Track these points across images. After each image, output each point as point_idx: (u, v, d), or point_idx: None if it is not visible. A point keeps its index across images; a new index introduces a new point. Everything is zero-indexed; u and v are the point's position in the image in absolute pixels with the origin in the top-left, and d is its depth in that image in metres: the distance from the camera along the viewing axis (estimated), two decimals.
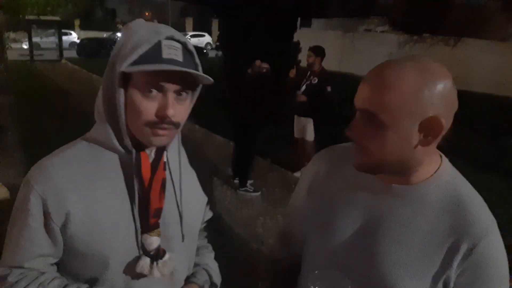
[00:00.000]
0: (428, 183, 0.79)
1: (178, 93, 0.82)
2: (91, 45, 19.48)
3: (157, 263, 0.87)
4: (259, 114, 4.32)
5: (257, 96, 4.24)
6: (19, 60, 16.09)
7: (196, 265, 1.06)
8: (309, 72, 4.68)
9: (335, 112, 4.85)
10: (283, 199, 4.22)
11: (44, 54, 17.80)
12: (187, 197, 0.95)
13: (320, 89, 4.51)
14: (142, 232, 0.86)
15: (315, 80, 4.54)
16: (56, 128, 5.71)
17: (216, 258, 1.14)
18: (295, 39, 8.76)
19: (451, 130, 0.75)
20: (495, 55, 11.52)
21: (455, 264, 0.75)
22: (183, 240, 0.94)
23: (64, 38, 20.02)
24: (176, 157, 0.94)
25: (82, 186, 0.82)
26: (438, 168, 0.80)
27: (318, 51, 4.59)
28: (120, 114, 0.81)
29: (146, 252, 0.87)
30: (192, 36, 28.09)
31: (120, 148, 0.85)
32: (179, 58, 0.80)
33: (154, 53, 0.78)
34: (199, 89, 0.89)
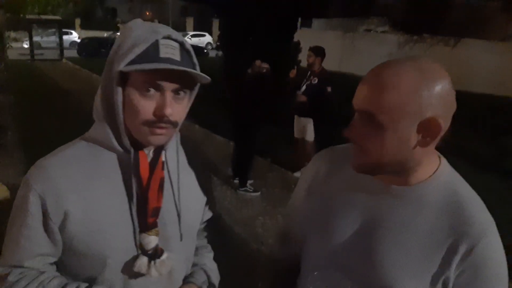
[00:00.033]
0: (427, 184, 0.79)
1: (176, 92, 0.82)
2: (91, 45, 19.46)
3: (154, 262, 0.87)
4: (259, 114, 4.33)
5: (257, 96, 4.24)
6: (20, 59, 16.10)
7: (194, 265, 1.06)
8: (309, 72, 4.68)
9: (335, 112, 4.85)
10: (283, 199, 4.22)
11: (45, 54, 17.80)
12: (185, 196, 0.95)
13: (320, 89, 4.51)
14: (140, 231, 0.87)
15: (315, 80, 4.54)
16: (56, 128, 5.70)
17: (215, 258, 1.14)
18: (295, 39, 8.75)
19: (449, 131, 0.76)
20: (495, 56, 11.51)
21: (454, 264, 0.75)
22: (181, 240, 0.94)
23: (65, 37, 20.03)
24: (174, 157, 0.94)
25: (81, 185, 0.83)
26: (437, 169, 0.81)
27: (318, 51, 4.59)
28: (118, 113, 0.82)
29: (144, 251, 0.87)
30: (193, 35, 28.04)
31: (118, 147, 0.85)
32: (177, 57, 0.80)
33: (152, 53, 0.78)
34: (197, 88, 0.90)
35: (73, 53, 19.57)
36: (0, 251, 0.87)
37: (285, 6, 7.57)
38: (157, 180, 0.88)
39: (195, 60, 0.86)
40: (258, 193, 4.46)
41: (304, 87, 4.63)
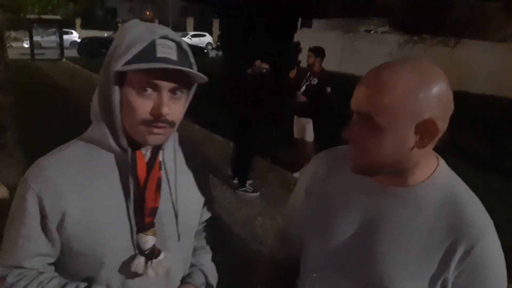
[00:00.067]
0: (425, 185, 0.79)
1: (173, 92, 0.82)
2: (92, 44, 19.46)
3: (151, 263, 0.87)
4: (259, 114, 4.33)
5: (257, 96, 4.24)
6: (20, 59, 16.10)
7: (192, 265, 1.06)
8: (309, 73, 4.68)
9: (335, 113, 4.85)
10: (282, 200, 4.22)
11: (45, 53, 17.81)
12: (183, 196, 0.95)
13: (320, 90, 4.51)
14: (138, 231, 0.87)
15: (314, 81, 4.54)
16: (56, 128, 5.70)
17: (215, 258, 1.14)
18: (295, 40, 8.75)
19: (447, 132, 0.76)
20: (495, 56, 11.51)
21: (453, 265, 0.75)
22: (179, 240, 0.94)
23: (65, 37, 20.03)
24: (172, 157, 0.95)
25: (78, 185, 0.83)
26: (435, 170, 0.81)
27: (318, 52, 4.59)
28: (115, 113, 0.82)
29: (141, 251, 0.87)
30: (193, 36, 28.02)
31: (116, 147, 0.86)
32: (173, 57, 0.80)
33: (149, 52, 0.78)
34: (194, 88, 0.90)
35: (74, 52, 19.58)
36: None
37: (285, 6, 7.57)
38: (154, 180, 0.88)
39: (192, 59, 0.86)
40: (258, 194, 4.46)
41: (303, 88, 4.63)
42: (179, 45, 0.83)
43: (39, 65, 15.58)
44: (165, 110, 0.80)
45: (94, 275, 0.86)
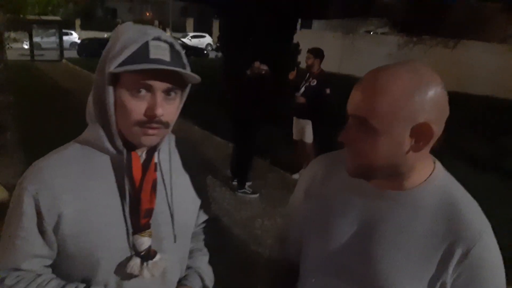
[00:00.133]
0: (422, 188, 0.79)
1: (166, 92, 0.83)
2: (91, 45, 19.42)
3: (147, 264, 0.88)
4: (258, 114, 4.32)
5: (256, 97, 4.24)
6: (20, 60, 16.10)
7: (189, 267, 1.06)
8: (308, 74, 4.68)
9: (334, 114, 4.85)
10: (282, 201, 4.21)
11: (45, 54, 17.80)
12: (179, 198, 0.95)
13: (319, 91, 4.50)
14: (134, 233, 0.87)
15: (314, 82, 4.53)
16: (56, 128, 5.70)
17: (214, 260, 1.14)
18: (296, 40, 8.76)
19: (444, 135, 0.76)
20: (495, 57, 11.52)
21: (451, 268, 0.75)
22: (175, 241, 0.94)
23: (65, 38, 20.01)
24: (167, 158, 0.95)
25: (75, 187, 0.83)
26: (431, 173, 0.81)
27: (317, 53, 4.58)
28: (110, 114, 0.82)
29: (137, 253, 0.87)
30: (193, 37, 28.04)
31: (111, 148, 0.86)
32: (167, 58, 0.81)
33: (142, 54, 0.79)
34: (188, 89, 0.90)
35: (73, 53, 19.57)
36: None
37: (285, 7, 7.58)
38: (149, 181, 0.89)
39: (185, 60, 0.86)
40: (257, 195, 4.45)
41: (302, 89, 4.62)
42: (171, 46, 0.83)
43: (39, 66, 15.58)
44: (159, 111, 0.80)
45: (90, 276, 0.86)
